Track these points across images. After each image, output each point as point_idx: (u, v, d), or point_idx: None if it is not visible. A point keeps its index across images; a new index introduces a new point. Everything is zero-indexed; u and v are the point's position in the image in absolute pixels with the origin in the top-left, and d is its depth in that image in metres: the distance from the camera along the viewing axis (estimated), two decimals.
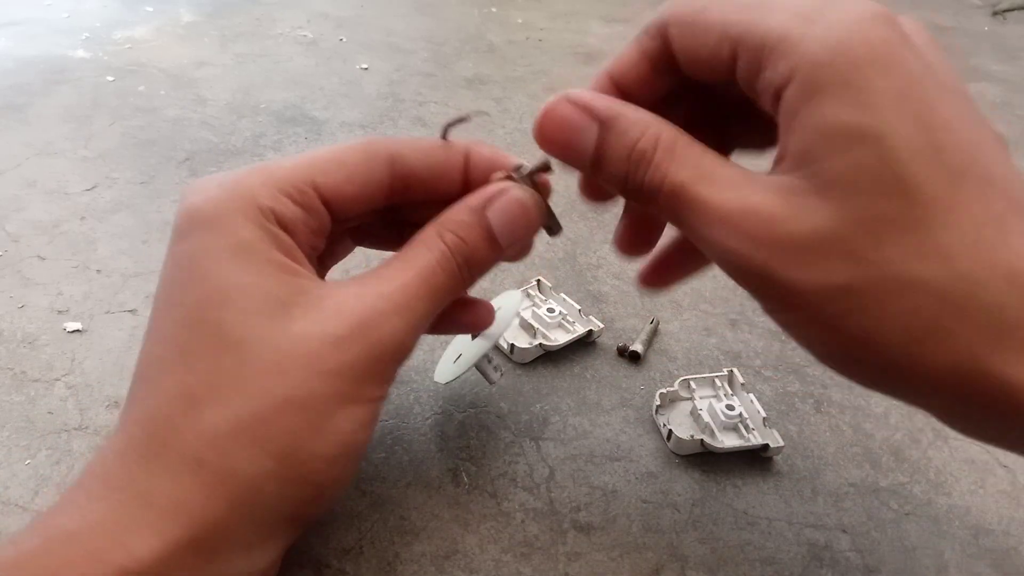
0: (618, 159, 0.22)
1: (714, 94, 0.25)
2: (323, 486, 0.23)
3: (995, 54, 0.96)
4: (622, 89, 0.25)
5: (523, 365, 0.38)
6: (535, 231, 0.27)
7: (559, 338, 0.39)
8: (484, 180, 0.26)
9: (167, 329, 0.22)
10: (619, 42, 0.85)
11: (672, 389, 0.36)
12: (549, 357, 0.39)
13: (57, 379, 0.35)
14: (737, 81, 0.22)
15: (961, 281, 0.18)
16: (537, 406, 0.36)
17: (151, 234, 0.45)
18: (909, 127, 0.18)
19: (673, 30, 0.23)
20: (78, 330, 0.38)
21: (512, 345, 0.38)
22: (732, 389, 0.37)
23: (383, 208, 0.27)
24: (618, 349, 0.40)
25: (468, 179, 0.27)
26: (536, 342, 0.38)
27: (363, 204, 0.26)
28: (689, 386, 0.36)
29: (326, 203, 0.25)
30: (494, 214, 0.25)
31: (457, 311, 0.29)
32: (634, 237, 0.28)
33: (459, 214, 0.25)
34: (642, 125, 0.22)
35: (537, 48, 0.82)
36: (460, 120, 0.26)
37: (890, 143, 0.18)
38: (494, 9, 0.94)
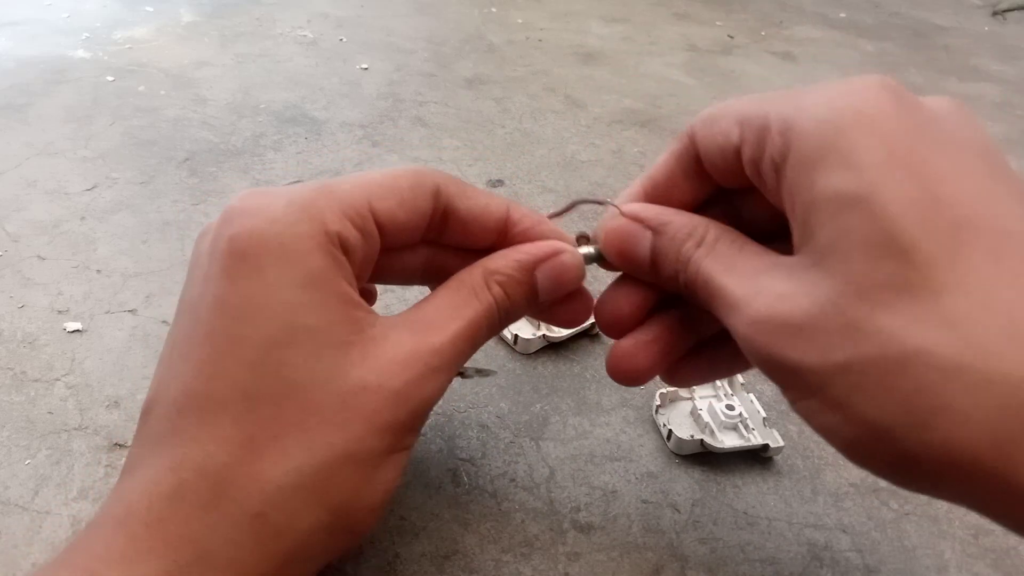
0: (670, 261, 0.23)
1: (742, 200, 0.26)
2: (362, 534, 0.23)
3: (995, 54, 0.96)
4: (654, 198, 0.26)
5: (526, 357, 0.38)
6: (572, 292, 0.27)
7: (563, 329, 0.39)
8: (518, 238, 0.26)
9: (230, 367, 0.22)
10: (619, 42, 0.85)
11: (672, 389, 0.36)
12: (552, 348, 0.39)
13: (57, 379, 0.35)
14: (745, 169, 0.22)
15: (971, 350, 0.16)
16: (537, 406, 0.36)
17: (151, 234, 0.45)
18: (900, 183, 0.17)
19: (697, 126, 0.24)
20: (78, 330, 0.38)
21: (516, 336, 0.38)
22: (732, 389, 0.37)
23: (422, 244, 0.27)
24: None
25: (503, 233, 0.27)
26: (540, 332, 0.38)
27: (409, 232, 0.25)
28: None
29: (379, 228, 0.24)
30: (543, 275, 0.26)
31: (561, 305, 0.28)
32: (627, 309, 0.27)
33: (509, 267, 0.25)
34: (689, 227, 0.23)
35: (537, 48, 0.82)
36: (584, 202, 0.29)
37: (880, 202, 0.17)
38: (494, 9, 0.94)
